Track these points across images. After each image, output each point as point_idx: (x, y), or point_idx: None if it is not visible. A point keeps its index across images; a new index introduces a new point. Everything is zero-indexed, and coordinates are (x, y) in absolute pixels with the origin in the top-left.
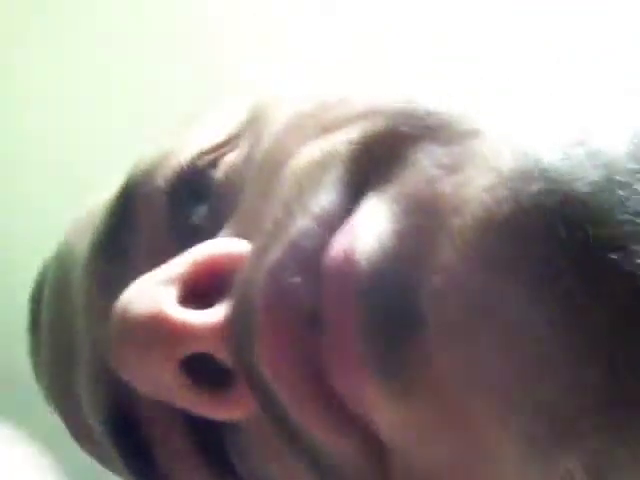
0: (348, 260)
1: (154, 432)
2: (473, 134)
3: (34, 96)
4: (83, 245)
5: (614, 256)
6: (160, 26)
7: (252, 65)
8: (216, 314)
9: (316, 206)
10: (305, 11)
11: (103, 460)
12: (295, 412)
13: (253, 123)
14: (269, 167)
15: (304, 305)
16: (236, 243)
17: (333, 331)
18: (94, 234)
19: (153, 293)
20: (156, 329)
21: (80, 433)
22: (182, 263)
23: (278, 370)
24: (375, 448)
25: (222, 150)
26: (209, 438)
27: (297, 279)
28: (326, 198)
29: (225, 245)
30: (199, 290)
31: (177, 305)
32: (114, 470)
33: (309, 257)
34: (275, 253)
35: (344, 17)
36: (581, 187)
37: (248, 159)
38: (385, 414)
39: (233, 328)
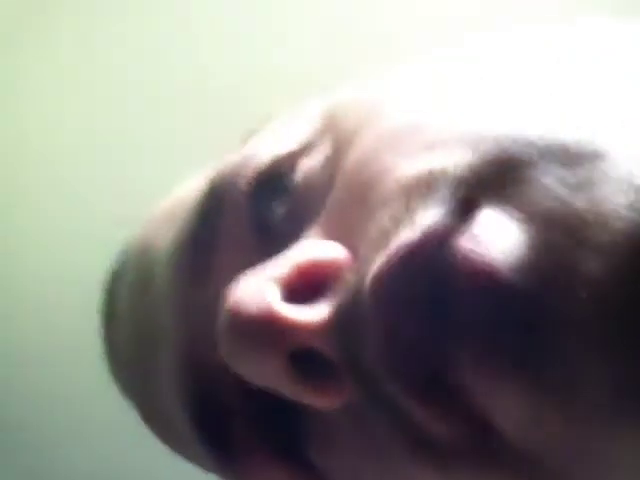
0: (487, 265)
1: (234, 422)
2: (596, 156)
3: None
4: (166, 241)
5: None
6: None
7: None
8: (321, 312)
9: (425, 219)
10: None
11: (180, 449)
12: (408, 405)
13: (331, 129)
14: (364, 176)
15: (413, 310)
16: (335, 248)
17: (468, 327)
18: (181, 231)
19: (262, 292)
20: (268, 325)
21: (157, 422)
22: (286, 264)
23: (395, 369)
24: (479, 433)
25: (299, 155)
26: (284, 431)
27: (404, 284)
28: (434, 214)
29: (325, 249)
30: (299, 292)
31: (283, 303)
32: (191, 458)
33: (416, 264)
34: (383, 260)
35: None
36: None
37: (329, 165)
38: (513, 412)
39: (339, 325)
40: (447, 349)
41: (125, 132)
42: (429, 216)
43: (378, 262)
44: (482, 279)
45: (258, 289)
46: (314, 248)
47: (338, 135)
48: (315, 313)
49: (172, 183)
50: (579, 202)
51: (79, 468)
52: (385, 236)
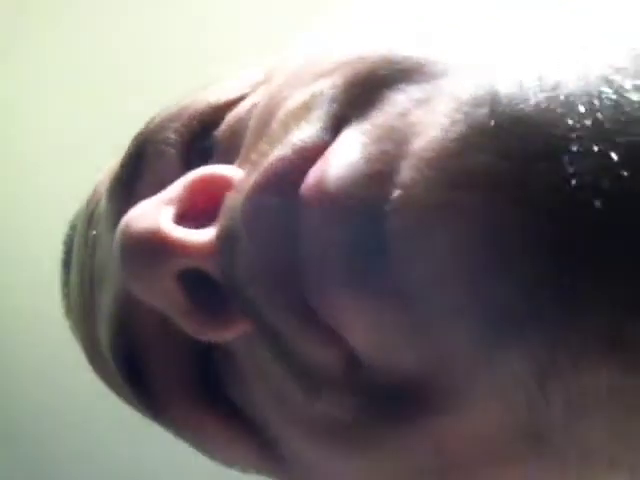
0: (319, 184)
1: (152, 355)
2: (444, 73)
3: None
4: (103, 190)
5: (544, 165)
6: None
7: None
8: (208, 233)
9: (296, 139)
10: None
11: (117, 391)
12: (279, 325)
13: (263, 84)
14: (267, 111)
15: (280, 224)
16: (228, 168)
17: (309, 251)
18: (111, 180)
19: (152, 212)
20: (153, 243)
21: (97, 362)
22: (179, 185)
23: (263, 286)
24: (349, 360)
25: (232, 105)
26: (203, 369)
27: (273, 200)
28: (306, 132)
29: (217, 168)
30: (197, 212)
31: (173, 223)
32: (122, 397)
33: (286, 182)
34: (254, 177)
35: None
36: (525, 109)
37: (251, 114)
38: (357, 324)
39: (221, 245)
40: (298, 272)
41: (125, 132)
42: (299, 134)
43: (249, 182)
44: (314, 193)
45: (150, 210)
46: (208, 169)
47: (269, 84)
48: (202, 233)
49: None
50: (414, 115)
51: (81, 461)
52: (261, 156)
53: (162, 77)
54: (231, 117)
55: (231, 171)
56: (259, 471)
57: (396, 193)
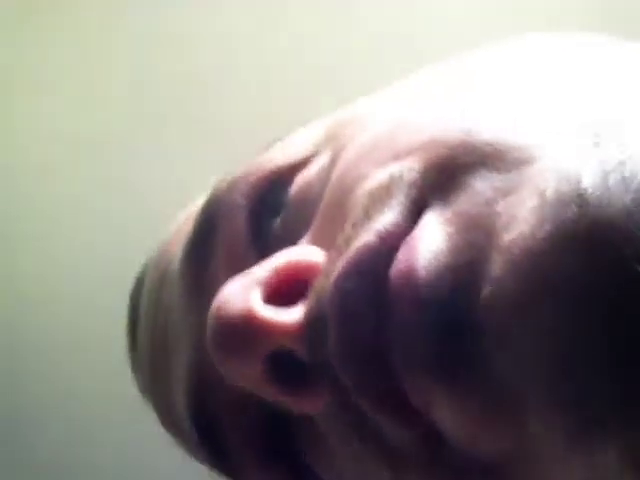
0: (409, 272)
1: (230, 423)
2: (528, 161)
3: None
4: (177, 249)
5: (636, 273)
6: None
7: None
8: (296, 314)
9: (379, 225)
10: None
11: (190, 451)
12: (365, 407)
13: (329, 142)
14: (343, 187)
15: (368, 311)
16: (313, 251)
17: (397, 336)
18: (184, 244)
19: (243, 295)
20: (248, 326)
21: (169, 423)
22: (266, 268)
23: (348, 367)
24: (435, 438)
25: (298, 168)
26: (281, 437)
27: (358, 287)
28: (388, 218)
29: (304, 253)
30: (281, 294)
31: (262, 305)
32: (200, 461)
33: (371, 269)
34: (341, 264)
35: None
36: (612, 211)
37: (323, 176)
38: (446, 412)
39: (308, 327)
40: (385, 357)
41: (125, 132)
42: (382, 220)
43: (336, 267)
44: (403, 283)
45: (240, 292)
46: (295, 253)
47: (335, 147)
48: (290, 315)
49: (172, 184)
50: (500, 206)
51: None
52: (346, 241)
53: (161, 78)
54: (301, 180)
55: (316, 255)
56: None
57: (487, 288)
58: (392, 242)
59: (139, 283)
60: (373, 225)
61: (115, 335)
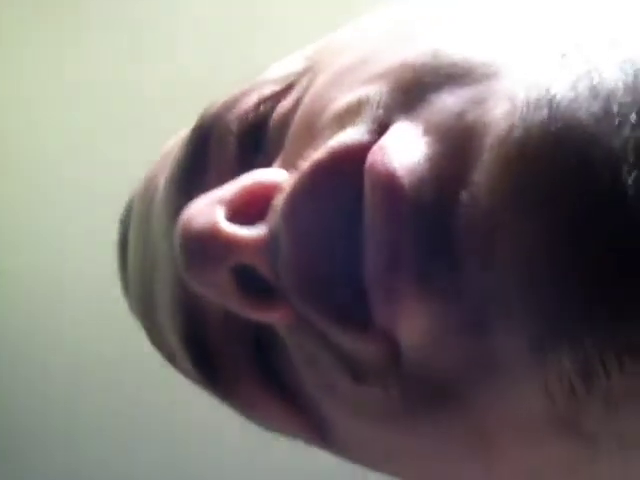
0: (390, 174)
1: (219, 344)
2: (495, 74)
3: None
4: (162, 179)
5: (605, 176)
6: None
7: None
8: (258, 231)
9: (336, 141)
10: None
11: (178, 367)
12: (321, 325)
13: (306, 72)
14: (312, 112)
15: (323, 227)
16: (277, 172)
17: (375, 240)
18: (171, 170)
19: (209, 211)
20: (211, 240)
21: (157, 340)
22: (230, 188)
23: (302, 290)
24: (394, 352)
25: (280, 95)
26: (264, 357)
27: (311, 199)
28: (351, 134)
29: (267, 173)
30: (246, 214)
31: (227, 222)
32: (187, 376)
33: (326, 181)
34: (292, 182)
35: None
36: (582, 116)
37: (298, 105)
38: (413, 319)
39: (269, 243)
40: (351, 267)
41: (125, 132)
42: (342, 136)
43: (290, 182)
44: (383, 187)
45: (206, 209)
46: (258, 174)
47: (311, 75)
48: (252, 232)
49: None
50: (470, 115)
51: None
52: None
53: (161, 77)
54: (280, 108)
55: (280, 175)
56: (311, 443)
57: (465, 195)
58: (351, 156)
59: (128, 209)
60: (331, 142)
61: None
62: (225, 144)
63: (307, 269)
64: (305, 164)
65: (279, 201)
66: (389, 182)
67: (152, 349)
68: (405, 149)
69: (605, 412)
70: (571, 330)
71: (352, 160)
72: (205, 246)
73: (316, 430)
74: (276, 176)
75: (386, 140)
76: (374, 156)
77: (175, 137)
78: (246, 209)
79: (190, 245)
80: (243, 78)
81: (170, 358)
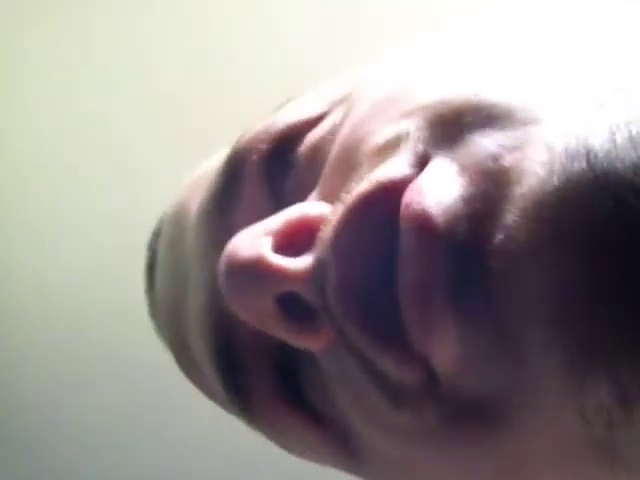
0: (423, 214)
1: (248, 365)
2: (534, 121)
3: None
4: (195, 203)
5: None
6: None
7: None
8: (304, 262)
9: (381, 175)
10: None
11: (206, 390)
12: (364, 349)
13: (343, 101)
14: (351, 144)
15: (366, 256)
16: (320, 205)
17: (409, 275)
18: (205, 195)
19: (255, 242)
20: (257, 269)
21: (186, 363)
22: (276, 220)
23: (344, 309)
24: (430, 377)
25: (310, 126)
26: (290, 377)
27: (357, 233)
28: (391, 168)
29: (311, 206)
30: (291, 246)
31: (271, 252)
32: (215, 400)
33: (369, 213)
34: (338, 213)
35: None
36: (619, 167)
37: (334, 134)
38: (447, 346)
39: (314, 273)
40: (390, 297)
41: (125, 131)
42: (384, 169)
43: (337, 213)
44: (416, 225)
45: (252, 239)
46: (303, 206)
47: (347, 105)
48: (297, 262)
49: (171, 182)
50: (507, 160)
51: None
52: (349, 194)
53: (161, 77)
54: (312, 137)
55: (324, 209)
56: (339, 468)
57: (499, 236)
58: (393, 187)
59: (156, 234)
60: (376, 176)
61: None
62: (253, 173)
63: (354, 295)
64: (349, 197)
65: (326, 232)
66: (422, 221)
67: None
68: (440, 188)
69: None
70: (607, 358)
71: (393, 193)
72: (252, 275)
73: (345, 451)
74: (320, 210)
75: (422, 178)
76: (410, 194)
77: (208, 161)
78: (290, 241)
79: (237, 274)
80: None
81: (198, 379)
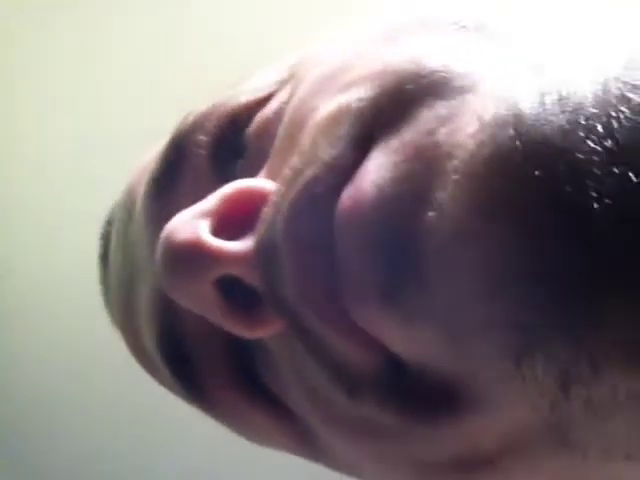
0: (354, 210)
1: (196, 350)
2: (470, 88)
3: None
4: (140, 191)
5: (569, 189)
6: None
7: None
8: (245, 244)
9: (326, 156)
10: None
11: (163, 382)
12: (317, 328)
13: (287, 81)
14: (295, 121)
15: (317, 240)
16: (261, 182)
17: (344, 264)
18: (148, 180)
19: (192, 224)
20: (194, 253)
21: (138, 352)
22: (215, 198)
23: (302, 292)
24: (390, 360)
25: (259, 106)
26: (243, 361)
27: (310, 220)
28: (335, 150)
29: (251, 182)
30: (232, 223)
31: (211, 235)
32: (169, 388)
33: (320, 199)
34: (292, 195)
35: None
36: (548, 131)
37: (281, 113)
38: (394, 336)
39: (259, 257)
40: (335, 285)
41: (125, 131)
42: (330, 152)
43: (285, 200)
44: (349, 214)
45: (189, 222)
46: (242, 182)
47: (294, 83)
48: (238, 244)
49: None
50: (440, 134)
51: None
52: (294, 172)
53: (161, 76)
54: (260, 118)
55: (265, 185)
56: (303, 457)
57: (429, 215)
58: (340, 174)
59: (108, 223)
60: (321, 156)
61: None
62: (199, 155)
63: (308, 278)
64: (300, 179)
65: (274, 213)
66: (352, 209)
67: None
68: (374, 172)
69: (586, 419)
70: (544, 340)
71: (341, 177)
72: (188, 258)
73: (304, 441)
74: (264, 185)
75: (363, 167)
76: (345, 202)
77: (153, 148)
78: (228, 221)
79: (173, 257)
80: (222, 86)
81: (151, 369)
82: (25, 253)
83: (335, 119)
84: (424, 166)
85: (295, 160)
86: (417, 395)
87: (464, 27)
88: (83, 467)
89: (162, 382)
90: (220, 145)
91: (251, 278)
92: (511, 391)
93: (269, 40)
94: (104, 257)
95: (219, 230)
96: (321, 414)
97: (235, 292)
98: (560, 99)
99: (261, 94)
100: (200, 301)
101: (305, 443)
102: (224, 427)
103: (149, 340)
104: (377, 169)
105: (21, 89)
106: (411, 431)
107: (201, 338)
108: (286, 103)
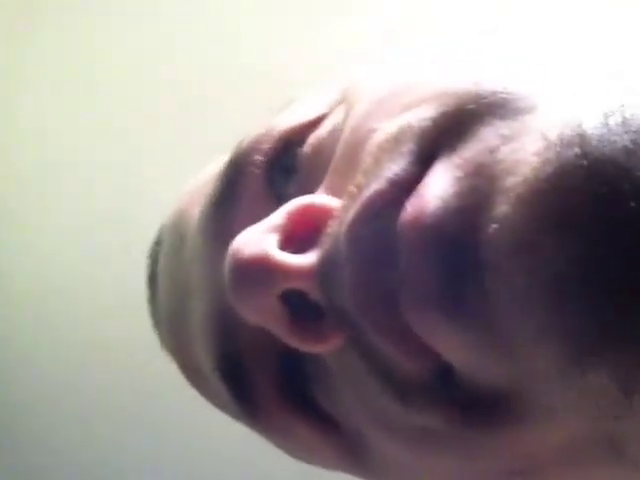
0: (417, 219)
1: (251, 371)
2: (530, 109)
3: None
4: (195, 210)
5: (634, 205)
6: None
7: None
8: (309, 258)
9: (389, 173)
10: None
11: (213, 399)
12: (376, 341)
13: (342, 102)
14: (354, 141)
15: (379, 253)
16: (326, 198)
17: (406, 272)
18: (205, 201)
19: (260, 239)
20: (262, 267)
21: (190, 371)
22: (281, 214)
23: (361, 302)
24: (442, 369)
25: (311, 127)
26: (293, 377)
27: (372, 231)
28: (399, 167)
29: (315, 198)
30: (296, 239)
31: (277, 249)
32: (219, 406)
33: (383, 214)
34: (355, 209)
35: None
36: (611, 151)
37: (335, 134)
38: (449, 343)
39: (322, 271)
40: (394, 294)
41: (125, 131)
42: (393, 167)
43: (350, 214)
44: (412, 226)
45: (256, 237)
46: (307, 198)
47: (347, 105)
48: (304, 258)
49: (171, 181)
50: (502, 152)
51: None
52: (358, 188)
53: (161, 76)
54: (313, 138)
55: (329, 201)
56: (345, 471)
57: (491, 227)
58: (403, 188)
59: (157, 243)
60: (384, 172)
61: None
62: (255, 174)
63: (370, 292)
64: (364, 193)
65: (338, 227)
66: (414, 219)
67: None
68: (437, 187)
69: None
70: (606, 346)
71: (404, 192)
72: (256, 272)
73: (352, 454)
74: (328, 201)
75: (426, 180)
76: (409, 213)
77: (205, 169)
78: (295, 236)
79: (241, 271)
80: (276, 108)
81: (204, 389)
82: (22, 255)
83: (397, 139)
84: (486, 181)
85: (359, 178)
86: (467, 403)
87: (521, 51)
88: (82, 472)
89: (214, 401)
90: (274, 165)
91: (315, 292)
92: (570, 400)
93: (269, 40)
94: (152, 277)
95: (285, 245)
96: (378, 424)
97: (297, 307)
98: (624, 120)
99: (314, 116)
100: (267, 315)
101: (353, 458)
102: (259, 439)
103: (207, 361)
104: (440, 183)
105: (21, 89)
106: (465, 439)
107: (257, 357)
108: (340, 124)
